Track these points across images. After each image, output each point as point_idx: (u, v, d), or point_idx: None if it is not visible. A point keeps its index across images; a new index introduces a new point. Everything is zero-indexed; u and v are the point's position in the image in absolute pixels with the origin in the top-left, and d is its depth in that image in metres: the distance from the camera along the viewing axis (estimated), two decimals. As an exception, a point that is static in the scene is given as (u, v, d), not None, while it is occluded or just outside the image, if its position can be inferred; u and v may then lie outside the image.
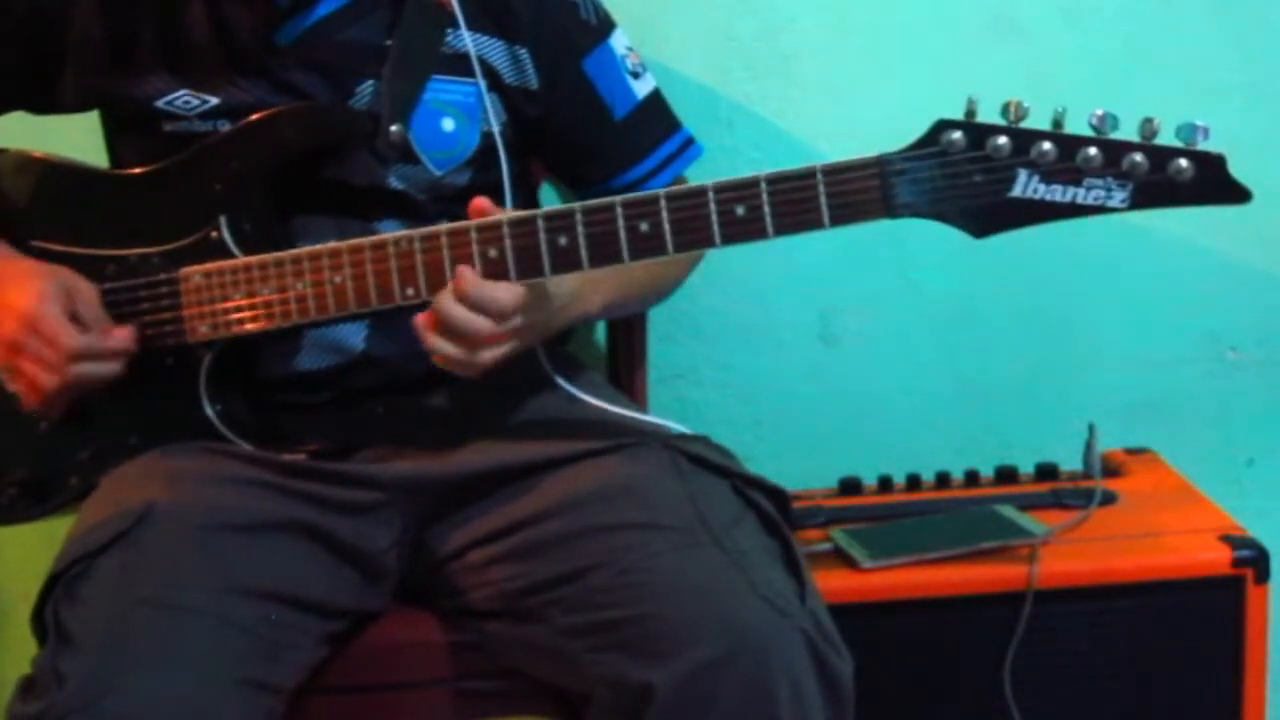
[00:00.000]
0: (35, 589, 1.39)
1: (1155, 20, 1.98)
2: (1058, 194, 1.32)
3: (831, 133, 1.98)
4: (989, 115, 1.32)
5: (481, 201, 1.40)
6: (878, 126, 1.95)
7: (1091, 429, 1.85)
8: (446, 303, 1.37)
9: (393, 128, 1.48)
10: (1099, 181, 1.31)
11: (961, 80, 1.94)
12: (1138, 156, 1.30)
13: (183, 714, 1.28)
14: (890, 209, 1.34)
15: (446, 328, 1.37)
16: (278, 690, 1.37)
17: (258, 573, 1.40)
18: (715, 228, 1.35)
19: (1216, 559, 1.66)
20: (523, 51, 1.55)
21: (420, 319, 1.39)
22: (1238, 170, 1.30)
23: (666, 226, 1.36)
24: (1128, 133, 1.31)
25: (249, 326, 1.47)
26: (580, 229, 1.37)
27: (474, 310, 1.36)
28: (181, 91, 1.50)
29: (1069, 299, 2.04)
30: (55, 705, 1.26)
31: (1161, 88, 1.97)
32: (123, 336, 1.48)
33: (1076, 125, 1.31)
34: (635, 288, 1.60)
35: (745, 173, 1.94)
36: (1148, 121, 1.30)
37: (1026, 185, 1.32)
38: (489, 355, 1.39)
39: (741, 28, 1.97)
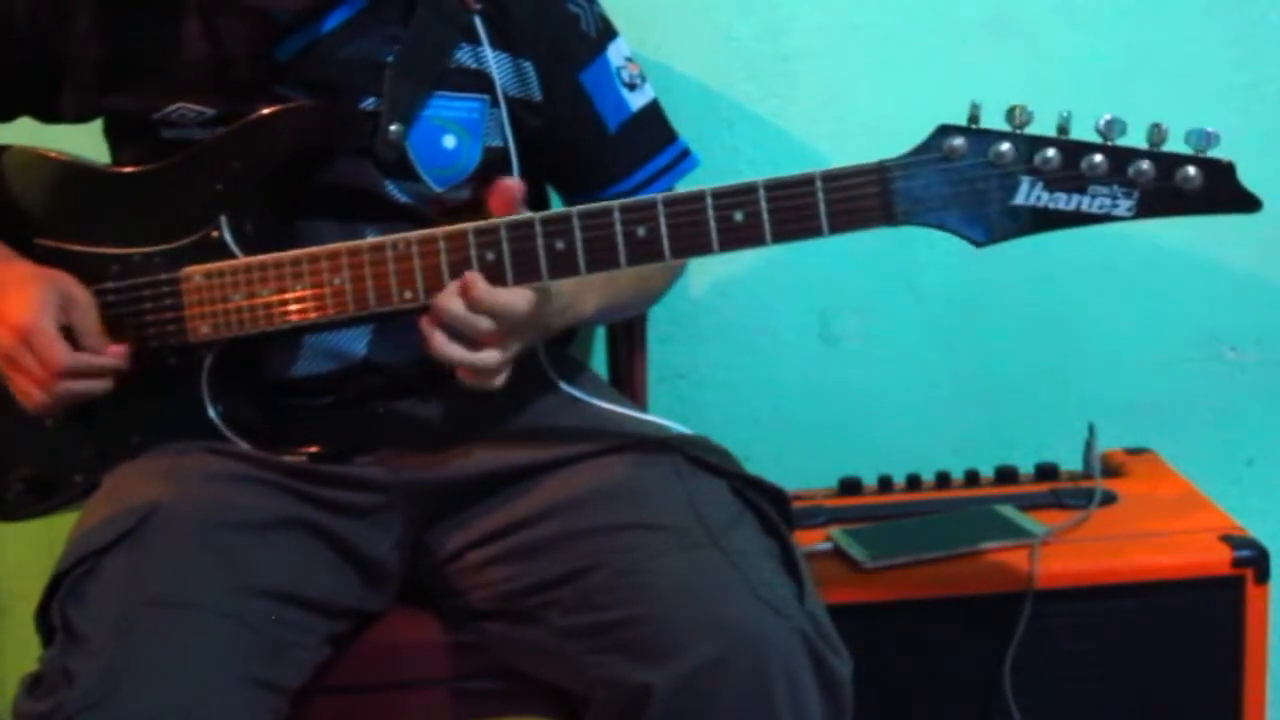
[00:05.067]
0: (36, 588, 1.39)
1: (1155, 20, 1.98)
2: (1061, 202, 1.28)
3: (831, 133, 1.99)
4: (993, 119, 1.29)
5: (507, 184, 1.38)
6: (878, 126, 1.98)
7: (1091, 429, 1.85)
8: (449, 300, 1.36)
9: (391, 127, 1.48)
10: (1104, 189, 1.27)
11: (961, 80, 1.98)
12: (1144, 164, 1.26)
13: (191, 712, 1.28)
14: (890, 216, 1.31)
15: (447, 326, 1.36)
16: (283, 689, 1.37)
17: (263, 571, 1.40)
18: (713, 234, 1.33)
19: (1216, 559, 1.66)
20: (526, 64, 1.55)
21: (424, 319, 1.38)
22: (1238, 171, 1.28)
23: (664, 232, 1.34)
24: (1136, 138, 1.27)
25: (249, 328, 1.46)
26: (578, 233, 1.36)
27: (478, 313, 1.36)
28: (178, 105, 1.49)
29: (1069, 299, 2.04)
30: (65, 704, 1.26)
31: (1161, 88, 1.97)
32: (115, 354, 1.47)
33: (1083, 129, 1.28)
34: (625, 293, 1.60)
35: (745, 172, 1.97)
36: (1156, 127, 1.26)
37: (1030, 193, 1.28)
38: (491, 356, 1.38)
39: (741, 28, 1.98)
